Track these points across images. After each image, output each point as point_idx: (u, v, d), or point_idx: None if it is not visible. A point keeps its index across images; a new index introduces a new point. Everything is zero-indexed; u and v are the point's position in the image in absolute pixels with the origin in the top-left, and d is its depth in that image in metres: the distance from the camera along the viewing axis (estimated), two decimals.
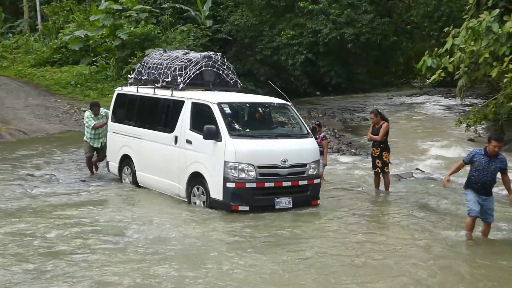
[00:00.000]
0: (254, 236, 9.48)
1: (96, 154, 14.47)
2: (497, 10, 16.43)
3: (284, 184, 10.73)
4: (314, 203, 11.17)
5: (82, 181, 13.75)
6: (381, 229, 10.32)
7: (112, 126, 13.73)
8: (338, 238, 9.52)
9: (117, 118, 13.65)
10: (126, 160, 13.20)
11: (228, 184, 10.46)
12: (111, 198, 12.28)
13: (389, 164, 12.85)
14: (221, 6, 36.06)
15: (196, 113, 11.34)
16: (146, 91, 12.85)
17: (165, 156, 11.89)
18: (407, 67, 40.51)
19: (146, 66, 13.06)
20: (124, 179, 13.30)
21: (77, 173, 14.54)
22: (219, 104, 11.02)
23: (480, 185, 9.16)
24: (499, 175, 9.27)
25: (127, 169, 13.21)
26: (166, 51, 13.35)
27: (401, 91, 41.06)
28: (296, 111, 11.94)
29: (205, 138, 10.66)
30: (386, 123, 12.51)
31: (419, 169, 15.21)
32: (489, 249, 9.32)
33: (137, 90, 13.02)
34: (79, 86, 29.42)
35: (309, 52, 35.07)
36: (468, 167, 9.55)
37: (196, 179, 11.12)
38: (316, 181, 11.16)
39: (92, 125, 14.04)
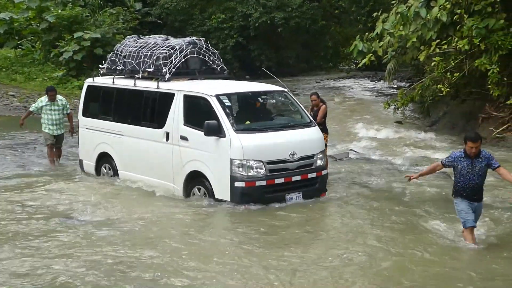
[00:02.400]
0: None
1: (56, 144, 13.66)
2: None
3: (294, 178, 10.19)
4: (322, 195, 10.69)
5: (20, 165, 13.57)
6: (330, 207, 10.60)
7: (84, 121, 12.65)
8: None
9: (90, 113, 12.56)
10: (105, 158, 12.22)
11: (237, 184, 9.78)
12: (55, 182, 12.09)
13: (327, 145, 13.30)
14: None
15: (190, 106, 10.53)
16: (124, 82, 11.84)
17: (154, 154, 11.02)
18: (335, 51, 41.45)
19: (120, 55, 12.03)
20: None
21: (14, 158, 14.33)
22: (217, 97, 10.22)
23: (469, 190, 8.26)
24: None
25: (107, 167, 12.23)
26: (140, 37, 12.39)
27: (330, 75, 41.95)
28: (294, 98, 11.38)
29: (206, 134, 9.89)
30: (324, 105, 12.97)
31: (353, 150, 15.81)
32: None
33: (113, 82, 11.99)
34: (4, 70, 28.63)
35: (239, 36, 35.45)
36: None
37: (196, 179, 10.39)
38: (324, 172, 10.69)
39: (34, 108, 13.48)
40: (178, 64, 11.12)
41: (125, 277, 7.18)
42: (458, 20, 16.12)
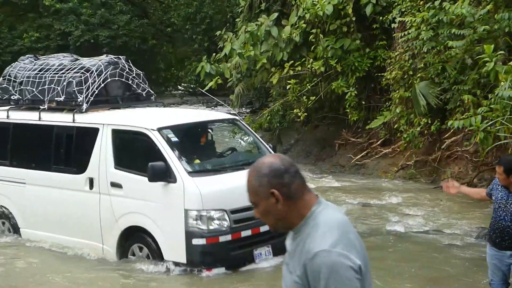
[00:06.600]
0: None
1: None
2: (276, 14, 17.00)
3: (262, 229, 8.56)
4: None
5: None
6: None
7: None
8: None
9: None
10: None
11: (195, 241, 8.30)
12: None
13: None
14: None
15: (122, 144, 9.15)
16: (24, 116, 10.34)
17: (73, 207, 9.49)
18: (167, 74, 40.92)
19: (15, 82, 10.47)
20: None
21: None
22: (160, 130, 8.80)
23: (499, 233, 6.34)
24: None
25: (3, 224, 10.59)
26: (37, 58, 10.87)
27: (163, 100, 41.10)
28: (248, 127, 10.34)
29: (151, 180, 8.37)
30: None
31: None
32: None
33: (8, 116, 10.40)
34: None
35: None
36: None
37: (134, 236, 8.93)
38: None
39: None
40: (96, 91, 9.65)
41: None
42: (312, 40, 15.90)
